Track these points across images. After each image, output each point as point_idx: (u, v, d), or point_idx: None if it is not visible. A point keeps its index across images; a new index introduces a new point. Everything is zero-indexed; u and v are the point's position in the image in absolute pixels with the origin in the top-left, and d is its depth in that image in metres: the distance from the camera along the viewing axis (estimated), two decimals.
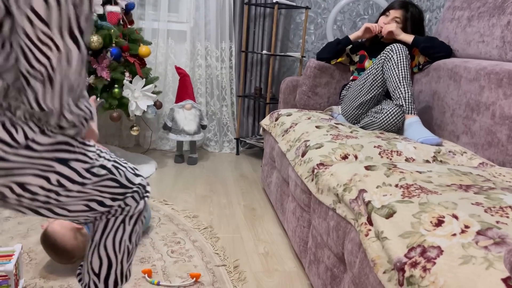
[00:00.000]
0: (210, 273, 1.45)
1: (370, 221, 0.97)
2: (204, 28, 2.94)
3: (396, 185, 1.04)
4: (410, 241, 0.82)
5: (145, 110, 2.29)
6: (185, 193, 2.25)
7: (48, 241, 1.34)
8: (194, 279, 1.38)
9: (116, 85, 2.17)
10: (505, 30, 1.57)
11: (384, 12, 2.11)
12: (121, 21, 2.31)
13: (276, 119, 2.10)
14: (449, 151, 1.49)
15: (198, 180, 2.49)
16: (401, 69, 1.70)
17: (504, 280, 0.63)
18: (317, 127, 1.72)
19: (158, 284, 1.34)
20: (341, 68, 2.28)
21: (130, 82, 2.22)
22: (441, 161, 1.45)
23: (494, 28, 1.63)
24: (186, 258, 1.53)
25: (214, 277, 1.43)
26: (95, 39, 2.04)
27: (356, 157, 1.41)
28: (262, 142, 3.00)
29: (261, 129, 2.37)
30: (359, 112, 1.85)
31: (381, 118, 1.69)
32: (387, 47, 1.77)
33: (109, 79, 2.13)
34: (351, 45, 2.18)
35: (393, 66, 1.71)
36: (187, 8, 2.95)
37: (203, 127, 2.81)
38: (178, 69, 2.77)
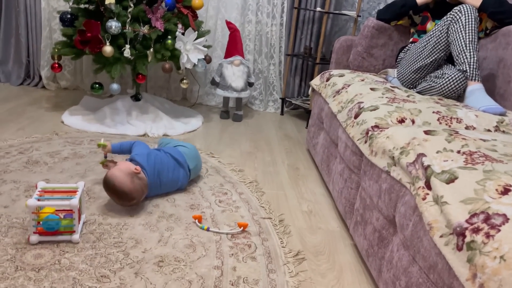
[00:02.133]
0: (256, 224, 1.49)
1: (428, 185, 0.95)
2: None
3: (458, 151, 1.00)
4: (473, 207, 0.80)
5: (196, 63, 2.30)
6: (230, 148, 2.29)
7: (109, 184, 1.43)
8: (242, 228, 1.42)
9: (169, 36, 2.19)
10: None
11: None
12: None
13: (327, 80, 2.06)
14: None
15: (243, 136, 2.52)
16: (469, 32, 1.59)
17: None
18: (371, 89, 1.67)
19: (207, 229, 1.39)
20: (401, 29, 2.18)
21: (183, 34, 2.22)
22: (503, 131, 1.38)
23: None
24: (233, 209, 1.58)
25: (260, 228, 1.47)
26: None
27: (413, 121, 1.37)
28: (308, 103, 2.97)
29: (310, 89, 2.33)
30: (417, 76, 1.78)
31: (441, 83, 1.62)
32: (455, 8, 1.66)
33: (162, 30, 2.14)
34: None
35: (460, 29, 1.61)
36: None
37: (250, 84, 2.81)
38: (228, 23, 2.74)
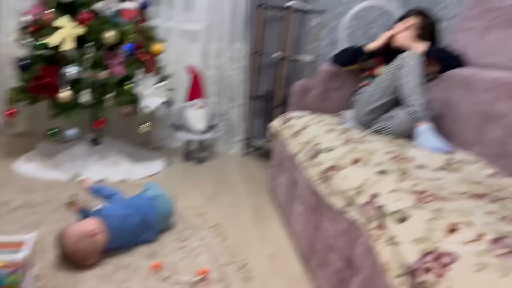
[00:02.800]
0: (217, 271, 1.45)
1: (382, 226, 0.97)
2: (217, 28, 2.95)
3: (410, 191, 1.04)
4: (424, 246, 0.82)
5: (156, 107, 2.30)
6: (192, 191, 2.26)
7: (59, 240, 1.38)
8: (203, 275, 1.38)
9: (129, 81, 2.19)
10: None
11: (401, 19, 2.11)
12: (136, 18, 2.32)
13: (287, 122, 2.11)
14: (461, 160, 1.49)
15: (206, 179, 2.50)
16: (415, 76, 1.70)
17: None
18: (328, 130, 1.72)
19: (166, 279, 1.34)
20: (354, 74, 2.29)
21: (143, 79, 2.23)
22: (452, 170, 1.44)
23: (509, 39, 1.63)
24: (194, 255, 1.54)
25: (222, 275, 1.43)
26: (111, 35, 2.06)
27: (367, 162, 1.41)
28: (271, 144, 3.00)
29: (270, 131, 2.37)
30: (371, 118, 1.85)
31: (393, 124, 1.69)
32: (402, 54, 1.77)
33: (122, 75, 2.14)
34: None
35: (407, 73, 1.71)
36: (201, 8, 2.97)
37: (212, 126, 2.82)
38: (190, 68, 2.78)
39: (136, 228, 1.53)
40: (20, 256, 1.16)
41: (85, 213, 1.56)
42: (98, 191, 1.68)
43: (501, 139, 1.47)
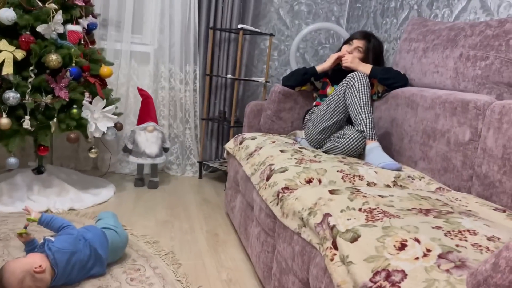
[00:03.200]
0: None
1: (335, 245, 0.97)
2: (168, 50, 2.93)
3: (360, 209, 1.05)
4: (375, 265, 0.82)
5: (105, 131, 2.22)
6: (145, 218, 2.18)
7: (2, 280, 1.27)
8: None
9: (75, 106, 2.10)
10: (458, 61, 1.66)
11: (347, 41, 2.19)
12: (82, 40, 2.26)
13: (241, 143, 2.10)
14: (408, 176, 1.54)
15: (159, 204, 2.43)
16: (362, 96, 1.75)
17: None
18: (281, 151, 1.73)
19: None
20: (305, 94, 2.33)
21: (90, 102, 2.15)
22: (401, 185, 1.49)
23: (447, 59, 1.73)
24: (147, 286, 1.46)
25: None
26: (54, 58, 1.98)
27: (320, 181, 1.42)
28: (226, 166, 2.98)
29: (225, 153, 2.35)
30: (322, 137, 1.88)
31: (343, 143, 1.73)
32: (348, 75, 1.83)
33: (67, 99, 2.05)
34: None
35: (355, 93, 1.76)
36: (151, 30, 2.94)
37: (165, 150, 2.76)
38: (140, 90, 2.73)
39: (85, 263, 1.44)
40: None
41: (31, 246, 1.45)
42: (48, 222, 1.57)
43: (445, 154, 1.54)
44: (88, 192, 2.36)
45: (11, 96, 1.89)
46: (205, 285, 1.55)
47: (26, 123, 1.95)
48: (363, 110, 1.74)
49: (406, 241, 0.86)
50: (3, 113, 1.90)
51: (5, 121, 1.88)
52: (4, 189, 2.14)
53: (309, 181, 1.41)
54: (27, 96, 1.96)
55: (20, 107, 1.97)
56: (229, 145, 2.25)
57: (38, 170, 2.28)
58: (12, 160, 2.00)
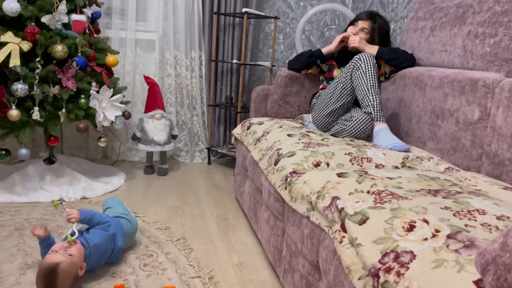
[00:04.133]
0: (184, 285, 1.42)
1: (344, 228, 0.97)
2: (173, 37, 2.91)
3: (368, 192, 1.05)
4: (383, 246, 0.83)
5: (113, 120, 2.24)
6: (156, 204, 2.21)
7: (51, 276, 1.27)
8: None
9: (82, 96, 2.11)
10: (466, 39, 1.64)
11: (352, 22, 2.16)
12: (87, 30, 2.25)
13: (248, 128, 2.10)
14: (417, 157, 1.53)
15: (169, 191, 2.45)
16: (369, 78, 1.74)
17: (476, 283, 0.65)
18: (289, 135, 1.73)
19: None
20: (311, 77, 2.32)
21: (97, 92, 2.16)
22: (409, 167, 1.48)
23: (455, 37, 1.70)
24: (160, 271, 1.49)
25: None
26: (60, 49, 1.99)
27: (328, 164, 1.42)
28: (234, 151, 2.99)
29: (232, 138, 2.36)
30: (329, 120, 1.88)
31: (351, 126, 1.72)
32: (355, 57, 1.81)
33: (75, 89, 2.07)
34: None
35: (362, 75, 1.74)
36: (155, 17, 2.92)
37: (173, 137, 2.78)
38: (146, 78, 2.73)
39: (107, 255, 1.48)
40: None
41: (47, 241, 1.43)
42: (89, 219, 1.46)
43: (453, 134, 1.52)
44: (99, 181, 2.39)
45: (19, 87, 1.91)
46: (216, 269, 1.57)
47: (35, 114, 1.97)
48: (370, 92, 1.72)
49: (415, 222, 0.86)
50: (13, 105, 1.92)
51: (14, 112, 1.90)
52: (17, 180, 2.18)
53: (317, 165, 1.42)
54: (35, 87, 1.97)
55: (28, 99, 1.98)
56: (237, 131, 2.25)
57: (50, 160, 2.31)
58: (24, 151, 2.03)
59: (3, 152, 2.04)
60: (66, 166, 2.33)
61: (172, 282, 1.43)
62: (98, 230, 1.45)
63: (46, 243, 1.43)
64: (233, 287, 1.46)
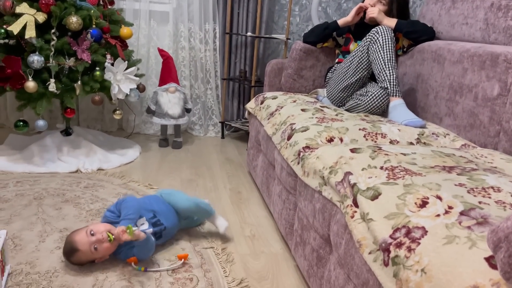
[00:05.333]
0: (198, 255, 1.46)
1: (355, 203, 0.98)
2: (187, 9, 2.88)
3: (381, 167, 1.05)
4: (395, 222, 0.83)
5: (128, 93, 2.25)
6: (170, 177, 2.24)
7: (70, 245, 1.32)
8: (182, 260, 1.38)
9: (97, 68, 2.12)
10: (489, 12, 1.58)
11: None
12: (101, 1, 2.24)
13: (262, 102, 2.09)
14: (433, 133, 1.51)
15: (183, 164, 2.48)
16: (386, 52, 1.70)
17: (487, 259, 0.65)
18: (302, 110, 1.72)
19: (145, 270, 1.33)
20: (327, 51, 2.27)
21: (112, 64, 2.17)
22: (424, 143, 1.47)
23: (477, 10, 1.64)
24: (173, 241, 1.53)
25: (202, 259, 1.44)
26: (75, 20, 1.98)
27: (341, 140, 1.42)
28: (247, 126, 2.99)
29: (246, 113, 2.36)
30: (344, 95, 1.85)
31: (366, 101, 1.70)
32: (372, 30, 1.76)
33: (90, 62, 2.07)
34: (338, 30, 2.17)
35: (379, 49, 1.71)
36: None
37: (187, 110, 2.78)
38: (161, 51, 2.72)
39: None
40: None
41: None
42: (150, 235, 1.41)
43: (471, 110, 1.49)
44: (115, 153, 2.43)
45: (35, 59, 1.92)
46: (229, 241, 1.60)
47: (52, 86, 1.99)
48: (387, 66, 1.69)
49: (428, 198, 0.85)
50: (29, 76, 1.94)
51: (31, 84, 1.93)
52: (35, 151, 2.22)
53: (330, 140, 1.41)
54: (50, 59, 1.99)
55: (44, 71, 2.00)
56: (250, 105, 2.25)
57: (66, 132, 2.35)
58: (41, 123, 2.06)
59: (21, 123, 2.07)
60: (83, 138, 2.37)
61: (185, 251, 1.47)
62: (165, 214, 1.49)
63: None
64: (245, 258, 1.49)
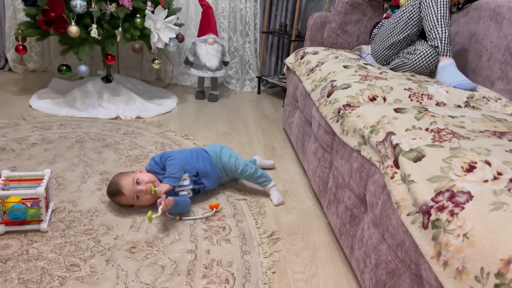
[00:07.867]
0: (231, 206, 1.48)
1: (396, 164, 0.95)
2: None
3: (427, 129, 1.00)
4: (438, 185, 0.80)
5: (167, 42, 2.24)
6: (206, 129, 2.26)
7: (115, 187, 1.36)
8: (214, 209, 1.41)
9: (138, 15, 2.11)
10: None
11: None
12: None
13: (302, 58, 2.03)
14: (483, 97, 1.43)
15: (219, 117, 2.49)
16: (440, 7, 1.58)
17: None
18: (344, 66, 1.66)
19: (180, 219, 1.37)
20: (375, 5, 2.15)
21: (152, 12, 2.15)
22: (473, 106, 1.39)
23: None
24: (208, 191, 1.56)
25: (235, 210, 1.46)
26: None
27: (384, 99, 1.36)
28: (285, 82, 2.94)
29: (284, 68, 2.30)
30: (390, 53, 1.77)
31: (413, 60, 1.61)
32: None
33: (131, 8, 2.06)
34: None
35: (432, 4, 1.59)
36: None
37: (225, 63, 2.76)
38: (201, 0, 2.66)
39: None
40: (40, 190, 1.19)
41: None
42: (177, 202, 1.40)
43: None
44: (153, 102, 2.46)
45: (78, 3, 1.93)
46: (262, 194, 1.62)
47: (94, 32, 2.00)
48: (439, 23, 1.58)
49: (476, 163, 0.81)
50: (72, 21, 1.96)
51: (74, 28, 1.95)
52: (78, 96, 2.28)
53: (373, 99, 1.36)
54: (92, 4, 1.99)
55: (87, 16, 2.01)
56: (289, 60, 2.19)
57: (107, 79, 2.39)
58: (83, 68, 2.10)
59: (64, 67, 2.12)
60: (122, 86, 2.40)
61: (219, 202, 1.50)
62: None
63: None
64: (277, 212, 1.51)
